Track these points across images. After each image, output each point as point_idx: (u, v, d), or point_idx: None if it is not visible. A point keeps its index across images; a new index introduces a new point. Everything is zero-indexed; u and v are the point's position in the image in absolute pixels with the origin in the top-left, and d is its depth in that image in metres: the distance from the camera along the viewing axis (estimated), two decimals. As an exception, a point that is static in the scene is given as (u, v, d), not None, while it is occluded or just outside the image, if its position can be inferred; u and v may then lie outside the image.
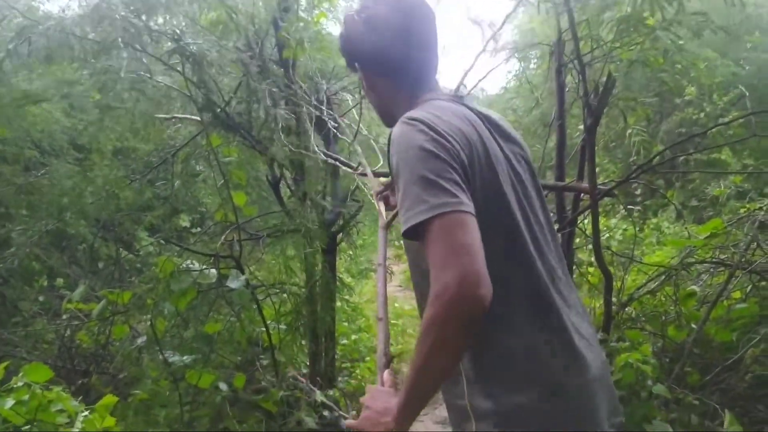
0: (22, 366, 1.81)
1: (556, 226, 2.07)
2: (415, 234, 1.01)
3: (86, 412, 1.68)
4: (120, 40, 2.27)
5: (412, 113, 1.13)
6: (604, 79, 2.28)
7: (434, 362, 0.99)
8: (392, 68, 1.28)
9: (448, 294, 0.94)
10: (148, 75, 3.02)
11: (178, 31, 3.07)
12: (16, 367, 2.18)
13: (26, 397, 1.47)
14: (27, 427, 1.48)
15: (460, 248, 0.97)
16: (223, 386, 2.68)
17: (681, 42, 2.79)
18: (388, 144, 1.14)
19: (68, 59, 2.48)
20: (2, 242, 3.60)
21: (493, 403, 1.07)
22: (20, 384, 1.51)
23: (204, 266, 2.78)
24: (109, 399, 1.73)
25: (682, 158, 5.62)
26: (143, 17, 2.49)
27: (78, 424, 1.58)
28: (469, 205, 1.01)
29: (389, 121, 1.34)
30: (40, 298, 4.27)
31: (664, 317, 3.14)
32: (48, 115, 4.37)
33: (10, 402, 1.45)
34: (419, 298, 1.28)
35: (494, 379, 1.09)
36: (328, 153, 3.21)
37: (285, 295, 3.45)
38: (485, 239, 1.00)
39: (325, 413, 2.86)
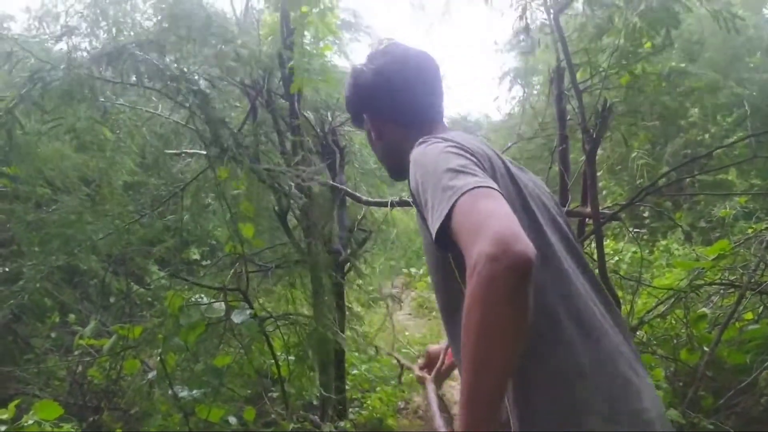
0: (34, 403, 1.83)
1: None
2: (445, 235, 0.91)
3: (96, 449, 1.69)
4: (134, 78, 2.34)
5: (429, 136, 1.13)
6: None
7: (488, 349, 0.80)
8: (402, 112, 1.31)
9: (484, 258, 0.80)
10: (158, 112, 3.10)
11: (185, 69, 3.15)
12: (28, 404, 2.19)
13: (37, 434, 1.49)
14: (37, 464, 1.49)
15: (489, 214, 0.87)
16: (232, 420, 2.68)
17: (682, 65, 2.82)
18: (409, 169, 1.12)
19: (81, 100, 2.55)
20: (13, 279, 3.65)
21: None
22: (31, 422, 1.53)
23: (212, 300, 2.80)
24: (119, 435, 1.74)
25: (688, 180, 5.62)
26: (154, 57, 2.56)
27: (88, 461, 1.59)
28: (498, 188, 0.94)
29: (398, 167, 1.36)
30: (53, 335, 4.29)
31: (675, 340, 3.11)
32: (59, 153, 4.46)
33: (21, 440, 1.46)
34: (449, 329, 1.16)
35: (544, 410, 0.98)
36: (335, 184, 3.24)
37: (293, 326, 3.45)
38: None
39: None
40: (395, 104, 1.31)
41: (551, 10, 2.68)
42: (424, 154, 1.07)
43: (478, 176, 0.94)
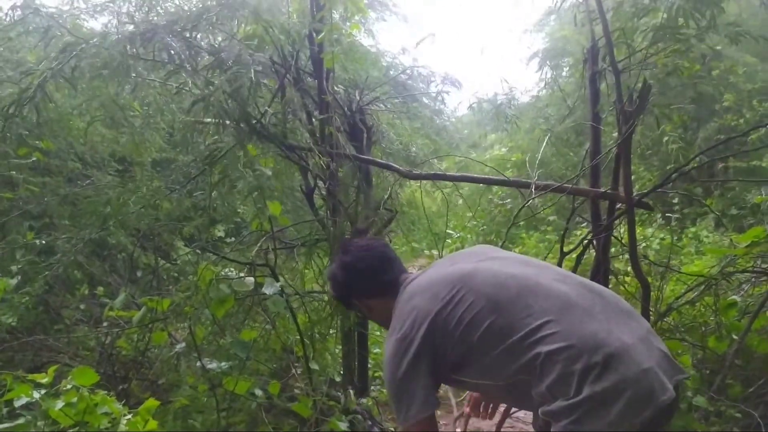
0: (66, 371, 1.88)
1: (589, 236, 2.54)
2: None
3: (129, 416, 1.74)
4: (166, 57, 2.35)
5: (391, 330, 1.64)
6: (639, 85, 2.26)
7: None
8: (375, 289, 1.77)
9: None
10: (187, 88, 3.11)
11: (215, 45, 3.15)
12: (59, 372, 2.25)
13: (74, 399, 1.53)
14: (75, 428, 1.54)
15: None
16: (258, 393, 2.72)
17: (718, 48, 2.75)
18: None
19: (113, 76, 2.57)
20: (47, 251, 3.73)
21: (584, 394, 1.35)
22: (69, 387, 1.58)
23: (240, 274, 2.83)
24: (152, 403, 1.78)
25: (720, 166, 5.49)
26: (186, 34, 2.57)
27: (122, 427, 1.64)
28: (428, 404, 1.57)
29: (387, 324, 1.77)
30: (81, 306, 4.39)
31: (704, 328, 3.07)
32: (90, 128, 4.52)
33: (60, 404, 1.51)
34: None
35: (560, 382, 1.38)
36: (370, 159, 3.24)
37: (317, 303, 3.49)
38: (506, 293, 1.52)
39: (358, 416, 2.89)
40: (368, 286, 1.78)
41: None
42: (385, 364, 1.64)
43: (416, 402, 1.56)
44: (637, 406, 1.32)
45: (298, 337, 3.07)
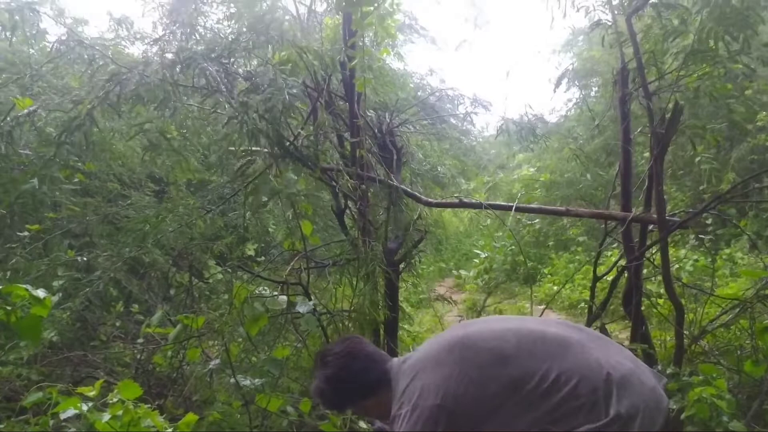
0: (102, 387, 1.94)
1: (622, 261, 2.60)
2: None
3: (170, 430, 1.79)
4: (204, 81, 2.45)
5: (399, 405, 1.59)
6: (671, 106, 2.28)
7: None
8: (363, 389, 1.73)
9: None
10: (223, 112, 3.22)
11: (251, 71, 3.26)
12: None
13: (120, 412, 1.60)
14: (120, 440, 1.59)
15: None
16: (290, 410, 2.76)
17: (752, 67, 2.74)
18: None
19: (154, 101, 2.69)
20: (86, 268, 3.85)
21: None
22: (115, 400, 1.64)
23: (274, 293, 2.89)
24: (191, 417, 1.84)
25: (754, 186, 5.38)
26: (223, 60, 2.67)
27: (163, 440, 1.69)
28: None
29: (388, 416, 1.73)
30: (117, 323, 4.50)
31: (739, 352, 3.02)
32: (129, 151, 4.68)
33: (106, 416, 1.57)
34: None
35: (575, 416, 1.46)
36: (393, 185, 3.28)
37: (348, 321, 3.52)
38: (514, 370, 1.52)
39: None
40: (355, 390, 1.73)
41: (615, 12, 2.65)
42: None
43: None
44: (653, 417, 1.48)
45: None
